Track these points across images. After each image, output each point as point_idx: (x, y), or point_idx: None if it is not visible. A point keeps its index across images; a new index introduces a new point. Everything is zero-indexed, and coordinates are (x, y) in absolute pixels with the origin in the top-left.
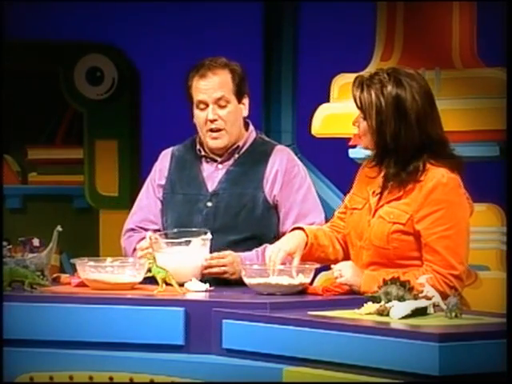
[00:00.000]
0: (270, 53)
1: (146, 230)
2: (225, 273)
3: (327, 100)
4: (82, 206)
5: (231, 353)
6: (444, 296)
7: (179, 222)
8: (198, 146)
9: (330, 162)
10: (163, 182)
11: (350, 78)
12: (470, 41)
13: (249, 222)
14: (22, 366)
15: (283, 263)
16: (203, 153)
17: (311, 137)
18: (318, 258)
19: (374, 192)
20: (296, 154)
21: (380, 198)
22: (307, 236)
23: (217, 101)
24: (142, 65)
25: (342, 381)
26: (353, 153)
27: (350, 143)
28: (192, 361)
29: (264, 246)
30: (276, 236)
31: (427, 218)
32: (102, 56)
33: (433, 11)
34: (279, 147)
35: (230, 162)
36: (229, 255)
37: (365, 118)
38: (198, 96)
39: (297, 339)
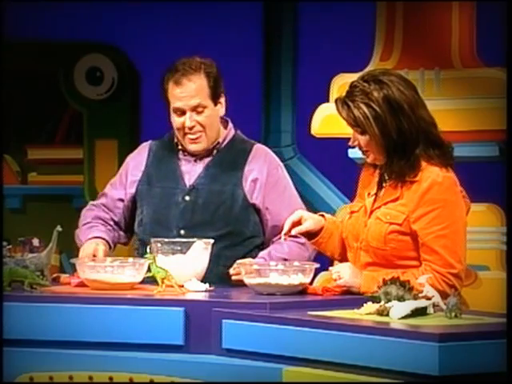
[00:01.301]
0: (269, 53)
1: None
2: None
3: (327, 100)
4: (81, 205)
5: (231, 353)
6: (444, 295)
7: (155, 214)
8: (175, 140)
9: (329, 162)
10: (138, 177)
11: (349, 77)
12: (469, 41)
13: (227, 219)
14: (21, 366)
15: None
16: (180, 147)
17: (311, 137)
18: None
19: (369, 193)
20: (296, 154)
21: (375, 200)
22: (325, 219)
23: (194, 108)
24: (142, 65)
25: (341, 381)
26: (352, 153)
27: (350, 143)
28: (192, 361)
29: (267, 250)
30: (254, 234)
31: (423, 218)
32: (102, 56)
33: (432, 11)
34: (258, 146)
35: (209, 157)
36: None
37: (363, 132)
38: (174, 103)
39: (296, 339)
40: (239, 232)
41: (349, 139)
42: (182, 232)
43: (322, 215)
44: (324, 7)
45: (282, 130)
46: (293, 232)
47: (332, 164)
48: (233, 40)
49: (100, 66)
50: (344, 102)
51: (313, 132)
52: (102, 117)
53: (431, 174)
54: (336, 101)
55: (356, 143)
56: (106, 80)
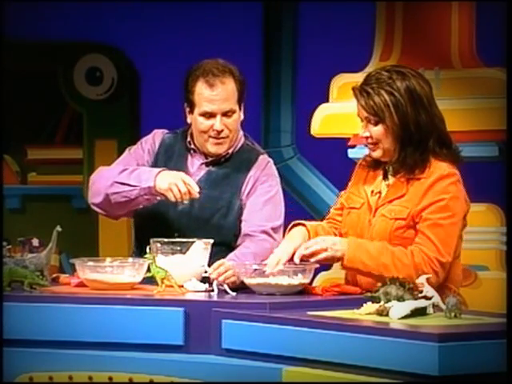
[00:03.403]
0: (269, 53)
1: None
2: (233, 275)
3: (327, 100)
4: (81, 206)
5: (230, 353)
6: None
7: (154, 211)
8: (188, 139)
9: (329, 161)
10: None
11: (349, 78)
12: (469, 41)
13: (220, 228)
14: (21, 366)
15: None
16: (193, 146)
17: (311, 137)
18: None
19: (372, 191)
20: (295, 154)
21: (379, 197)
22: (308, 232)
23: (225, 112)
24: (142, 65)
25: (341, 381)
26: (352, 153)
27: (350, 143)
28: (191, 361)
29: (233, 253)
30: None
31: (427, 209)
32: (101, 56)
33: (432, 11)
34: (262, 157)
35: (216, 163)
36: (225, 261)
37: (378, 122)
38: (204, 106)
39: (296, 339)
40: (229, 243)
41: (348, 139)
42: (176, 234)
43: (303, 224)
44: (324, 7)
45: (282, 129)
46: (296, 260)
47: (332, 164)
48: (233, 40)
49: (100, 66)
50: (363, 90)
51: (312, 132)
52: (102, 117)
53: (438, 169)
54: (353, 89)
55: (367, 134)
56: (106, 80)
